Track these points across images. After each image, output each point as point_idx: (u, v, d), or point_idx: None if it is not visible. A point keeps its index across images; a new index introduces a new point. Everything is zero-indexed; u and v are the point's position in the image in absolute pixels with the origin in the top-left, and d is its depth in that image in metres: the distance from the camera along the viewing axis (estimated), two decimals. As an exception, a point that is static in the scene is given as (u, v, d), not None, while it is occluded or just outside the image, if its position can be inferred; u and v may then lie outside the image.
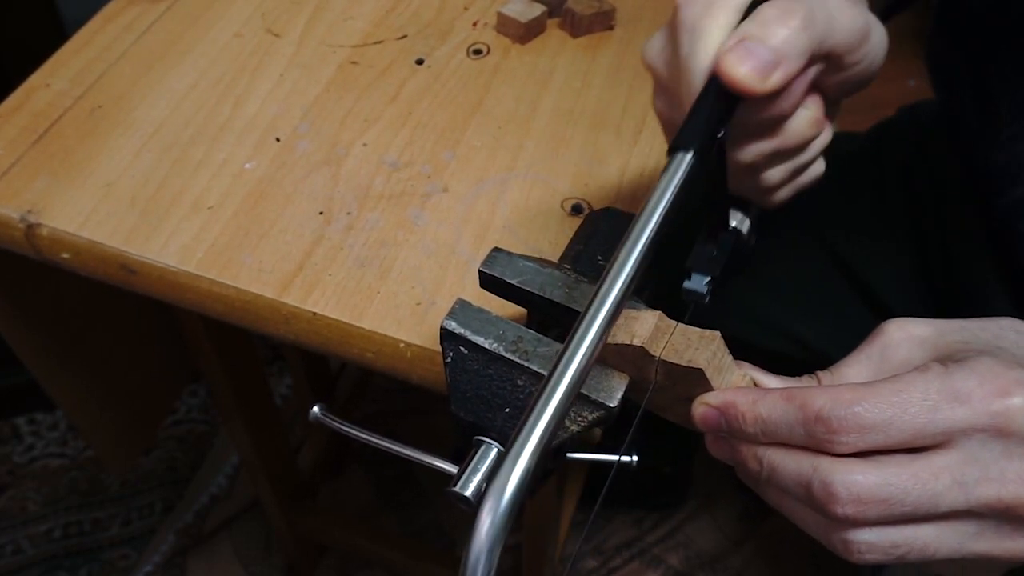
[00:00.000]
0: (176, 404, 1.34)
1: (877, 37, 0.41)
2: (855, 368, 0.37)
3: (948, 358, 0.34)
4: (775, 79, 0.36)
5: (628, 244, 0.34)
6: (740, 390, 0.35)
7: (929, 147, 0.70)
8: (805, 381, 0.37)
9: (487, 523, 0.29)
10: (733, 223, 0.46)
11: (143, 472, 1.28)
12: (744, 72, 0.36)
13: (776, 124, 0.41)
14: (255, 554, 1.21)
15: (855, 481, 0.32)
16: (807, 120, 0.41)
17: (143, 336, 0.82)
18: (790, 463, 0.34)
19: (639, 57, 0.65)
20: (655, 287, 0.43)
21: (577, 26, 0.67)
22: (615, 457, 0.40)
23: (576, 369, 0.32)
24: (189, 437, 1.32)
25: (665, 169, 0.36)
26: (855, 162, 0.75)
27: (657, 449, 1.11)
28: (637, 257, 0.34)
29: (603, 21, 0.67)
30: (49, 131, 0.59)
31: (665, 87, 0.42)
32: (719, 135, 0.38)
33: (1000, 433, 0.31)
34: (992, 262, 0.62)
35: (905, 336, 0.36)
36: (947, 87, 0.66)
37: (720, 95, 0.37)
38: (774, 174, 0.43)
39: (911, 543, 0.32)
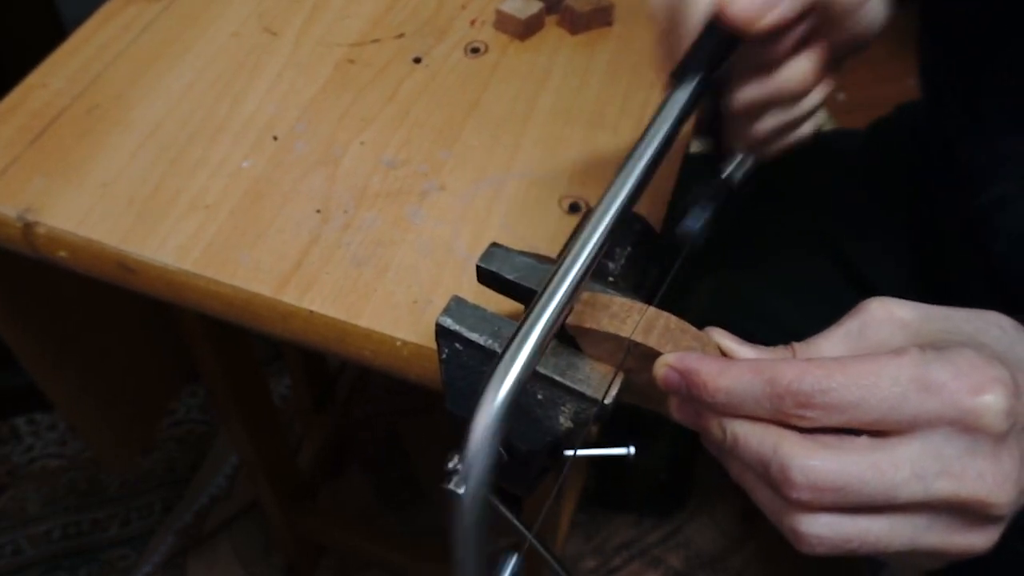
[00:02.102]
0: (174, 404, 1.34)
1: (876, 2, 0.42)
2: (832, 342, 0.36)
3: (929, 345, 0.33)
4: (769, 19, 0.37)
5: (632, 159, 0.36)
6: (704, 357, 0.35)
7: (921, 144, 0.70)
8: (779, 352, 0.36)
9: (483, 419, 0.30)
10: (727, 172, 0.47)
11: (142, 472, 1.28)
12: (739, 9, 0.37)
13: (769, 67, 0.41)
14: (255, 554, 1.21)
15: (813, 467, 0.31)
16: (802, 70, 0.42)
17: (140, 336, 0.82)
18: (753, 437, 0.33)
19: (637, 54, 0.66)
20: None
21: (575, 23, 0.67)
22: (614, 450, 0.40)
23: (583, 260, 0.34)
24: (188, 437, 1.32)
25: (665, 99, 0.38)
26: (855, 159, 0.76)
27: (653, 453, 1.11)
28: (640, 172, 0.36)
29: (601, 17, 0.67)
30: (47, 130, 0.59)
31: (666, 33, 0.42)
32: (716, 71, 0.39)
33: (967, 429, 0.31)
34: (975, 258, 0.62)
35: (886, 316, 0.35)
36: (933, 85, 0.67)
37: (720, 33, 0.38)
38: (766, 124, 0.44)
39: (863, 536, 0.32)
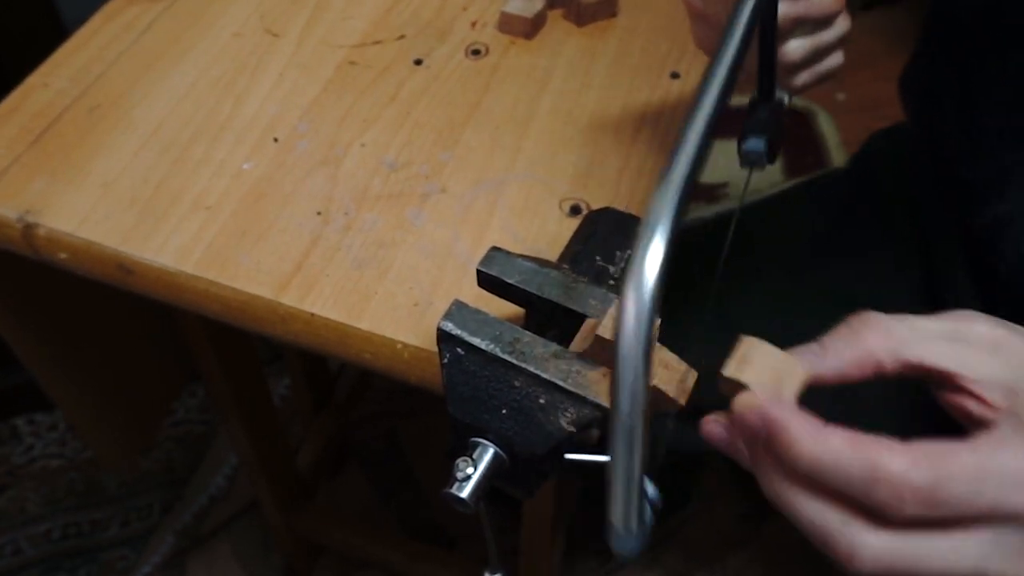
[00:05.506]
0: (174, 405, 1.34)
1: None
2: (932, 335, 0.34)
3: (1016, 382, 0.33)
4: None
5: (729, 41, 0.34)
6: (798, 414, 0.31)
7: (908, 169, 0.70)
8: (802, 350, 0.35)
9: (631, 304, 0.26)
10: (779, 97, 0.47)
11: (142, 473, 1.28)
12: None
13: None
14: (254, 554, 1.21)
15: (883, 549, 0.30)
16: None
17: (141, 336, 0.82)
18: (814, 512, 0.31)
19: (639, 52, 0.66)
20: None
21: (582, 15, 0.67)
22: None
23: (710, 109, 0.31)
24: (188, 438, 1.32)
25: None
26: (843, 198, 0.75)
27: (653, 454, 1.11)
28: (734, 54, 0.34)
29: (607, 8, 0.67)
30: (47, 131, 0.59)
31: (701, 11, 0.45)
32: None
33: None
34: (971, 280, 0.62)
35: (978, 334, 0.35)
36: (927, 104, 0.66)
37: None
38: (796, 47, 0.45)
39: None
